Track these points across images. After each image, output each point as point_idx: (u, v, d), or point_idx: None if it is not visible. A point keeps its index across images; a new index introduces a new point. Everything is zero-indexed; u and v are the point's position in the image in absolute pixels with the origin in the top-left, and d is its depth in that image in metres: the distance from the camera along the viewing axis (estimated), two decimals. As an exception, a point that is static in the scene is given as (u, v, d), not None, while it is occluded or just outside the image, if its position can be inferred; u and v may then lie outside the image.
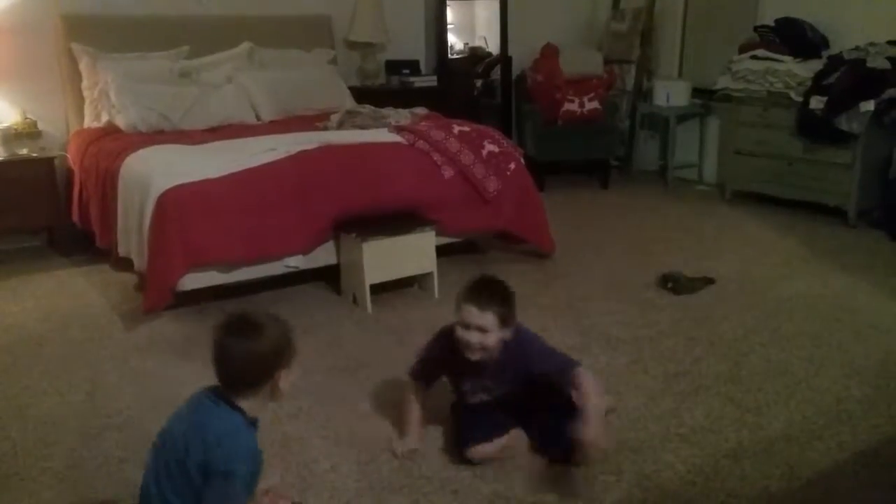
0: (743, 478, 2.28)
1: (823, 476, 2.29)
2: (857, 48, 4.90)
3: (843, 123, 4.73)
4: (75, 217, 4.36)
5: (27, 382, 2.93)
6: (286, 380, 1.73)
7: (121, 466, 2.37)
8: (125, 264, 3.83)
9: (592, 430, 2.13)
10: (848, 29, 5.12)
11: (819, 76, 4.91)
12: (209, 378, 1.85)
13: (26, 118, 4.49)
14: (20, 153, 4.34)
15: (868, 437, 2.49)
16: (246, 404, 1.73)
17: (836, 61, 4.91)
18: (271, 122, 4.72)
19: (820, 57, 5.13)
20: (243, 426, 1.71)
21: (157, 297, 3.35)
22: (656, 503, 2.18)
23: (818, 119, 4.83)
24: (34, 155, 4.36)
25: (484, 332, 2.22)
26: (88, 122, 4.61)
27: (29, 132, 4.45)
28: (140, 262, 3.54)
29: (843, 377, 2.90)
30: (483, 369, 2.31)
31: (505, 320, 2.23)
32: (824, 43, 5.21)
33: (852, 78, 4.70)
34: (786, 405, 2.69)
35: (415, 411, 2.47)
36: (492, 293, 2.26)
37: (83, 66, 4.58)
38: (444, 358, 2.38)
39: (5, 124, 4.41)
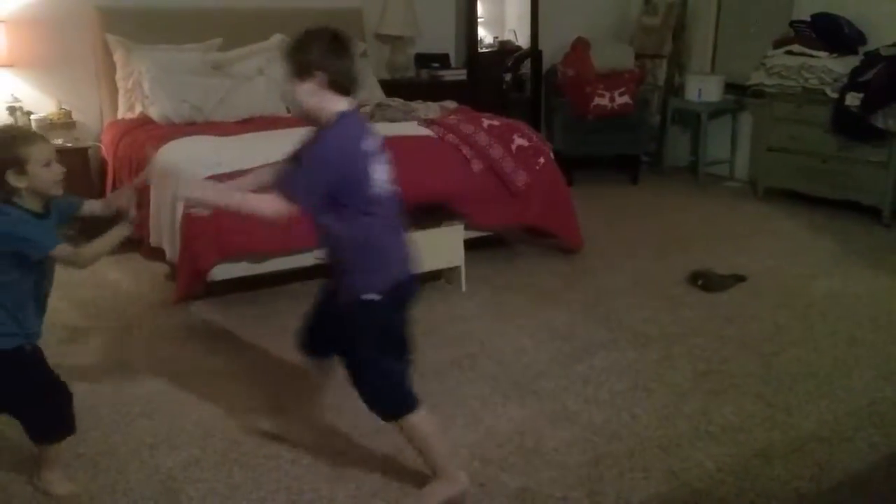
0: (773, 478, 2.26)
1: (854, 478, 2.27)
2: (894, 44, 4.81)
3: (880, 121, 4.65)
4: (108, 207, 4.41)
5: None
6: (20, 179, 1.98)
7: (152, 452, 2.40)
8: (157, 254, 3.86)
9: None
10: (886, 25, 5.02)
11: (855, 72, 4.83)
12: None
13: (61, 108, 4.56)
14: (55, 143, 4.39)
15: (901, 439, 2.46)
16: (20, 201, 2.02)
17: (872, 58, 4.82)
18: (302, 114, 4.74)
19: (856, 53, 5.05)
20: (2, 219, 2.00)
21: (189, 286, 3.39)
22: (685, 501, 2.17)
23: (854, 116, 4.75)
24: (69, 145, 4.41)
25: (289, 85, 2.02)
26: (122, 112, 4.66)
27: (64, 122, 4.52)
28: (172, 252, 3.57)
29: (876, 378, 2.86)
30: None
31: (301, 72, 1.98)
32: (861, 39, 5.12)
33: (889, 75, 4.62)
34: (817, 405, 2.66)
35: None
36: (289, 43, 2.03)
37: (117, 57, 4.63)
38: None
39: (41, 114, 4.48)
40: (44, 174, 2.02)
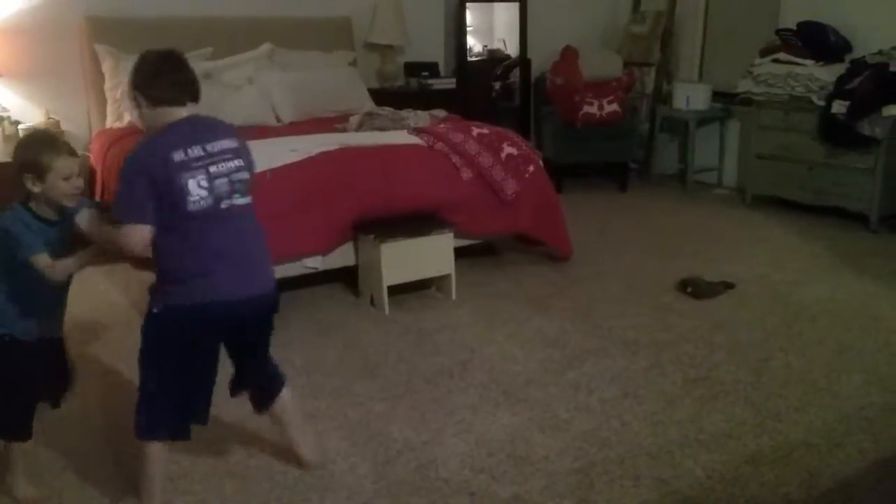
0: (762, 484, 2.27)
1: (844, 484, 2.28)
2: (880, 52, 4.85)
3: (866, 128, 4.68)
4: (97, 216, 4.40)
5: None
6: (36, 184, 2.01)
7: (134, 463, 2.38)
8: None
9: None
10: (871, 32, 5.07)
11: (841, 80, 4.87)
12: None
13: (50, 118, 4.54)
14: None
15: (889, 445, 2.47)
16: (33, 205, 2.06)
17: (858, 65, 4.87)
18: (291, 123, 4.74)
19: (842, 61, 5.09)
20: (9, 214, 2.05)
21: (177, 296, 3.36)
22: (675, 509, 2.17)
23: (840, 123, 4.79)
24: (57, 154, 4.39)
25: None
26: (111, 122, 4.65)
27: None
28: (160, 261, 3.56)
29: (865, 384, 2.87)
30: None
31: (134, 95, 2.08)
32: (847, 46, 5.16)
33: (875, 82, 4.66)
34: (806, 412, 2.67)
35: None
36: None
37: (106, 66, 4.62)
38: None
39: (29, 124, 4.46)
40: (60, 186, 2.03)
